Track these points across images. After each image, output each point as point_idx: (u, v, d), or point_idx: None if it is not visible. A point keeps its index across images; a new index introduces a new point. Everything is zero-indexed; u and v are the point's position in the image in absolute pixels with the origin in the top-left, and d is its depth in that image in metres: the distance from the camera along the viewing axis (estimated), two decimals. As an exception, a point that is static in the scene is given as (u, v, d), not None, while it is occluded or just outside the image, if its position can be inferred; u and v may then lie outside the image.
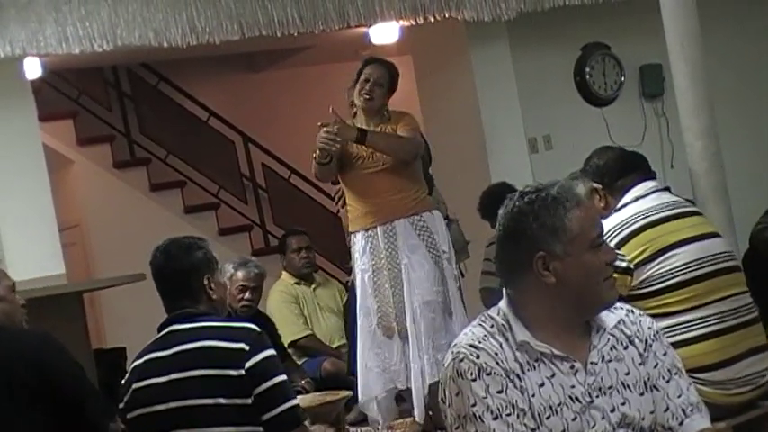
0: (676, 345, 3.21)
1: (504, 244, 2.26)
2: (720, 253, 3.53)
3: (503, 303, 2.27)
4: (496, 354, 2.17)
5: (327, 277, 7.01)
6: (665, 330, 3.27)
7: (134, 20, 5.58)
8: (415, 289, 4.79)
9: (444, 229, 4.93)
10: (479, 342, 2.19)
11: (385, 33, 7.33)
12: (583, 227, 2.21)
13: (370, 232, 4.86)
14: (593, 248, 2.22)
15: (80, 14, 5.48)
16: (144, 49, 5.91)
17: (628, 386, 2.24)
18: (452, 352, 2.21)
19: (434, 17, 6.28)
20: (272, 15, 5.87)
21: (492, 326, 2.23)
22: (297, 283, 6.44)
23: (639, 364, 2.27)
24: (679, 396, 2.29)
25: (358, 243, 4.90)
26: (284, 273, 6.59)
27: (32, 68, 6.37)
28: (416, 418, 4.81)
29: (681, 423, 2.27)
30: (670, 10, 4.28)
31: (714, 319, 3.42)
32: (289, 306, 6.38)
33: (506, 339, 2.21)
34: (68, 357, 3.07)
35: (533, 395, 2.16)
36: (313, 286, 6.48)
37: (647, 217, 3.49)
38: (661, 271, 3.41)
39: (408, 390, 4.89)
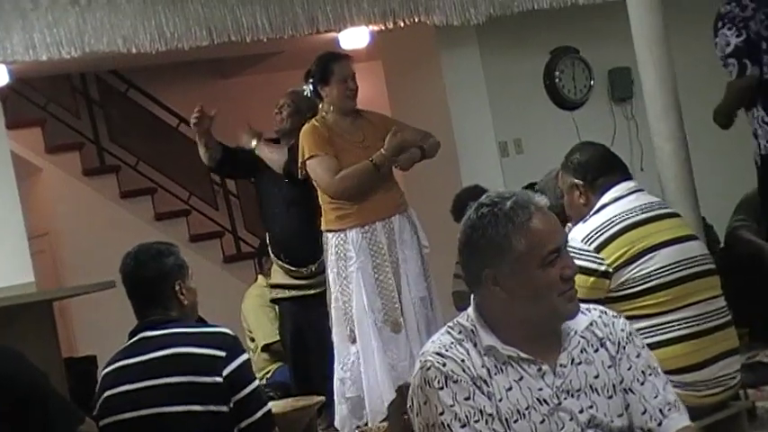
0: (651, 346, 3.22)
1: (462, 254, 2.27)
2: (697, 256, 3.54)
3: (470, 308, 2.28)
4: (463, 361, 2.18)
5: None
6: (640, 332, 3.28)
7: (102, 26, 5.54)
8: (412, 284, 4.81)
9: (421, 226, 4.95)
10: (446, 350, 2.19)
11: (355, 38, 7.32)
12: (532, 245, 2.18)
13: (367, 228, 4.81)
14: (544, 266, 2.18)
15: (47, 21, 5.44)
16: (112, 55, 5.88)
17: (596, 389, 2.24)
18: (420, 361, 2.21)
19: (404, 22, 6.29)
20: (241, 21, 5.85)
21: (460, 332, 2.24)
22: None
23: (609, 367, 2.27)
24: (655, 397, 2.29)
25: (351, 240, 4.79)
26: (260, 276, 6.59)
27: None
28: None
29: (659, 424, 2.27)
30: (637, 14, 4.30)
31: (689, 323, 3.44)
32: (264, 310, 6.38)
33: (474, 345, 2.21)
34: (28, 367, 3.02)
35: (501, 400, 2.17)
36: None
37: (626, 219, 3.49)
38: (639, 274, 3.42)
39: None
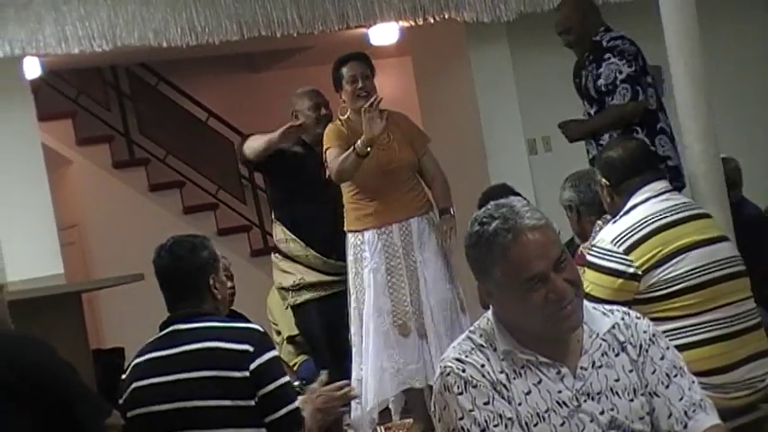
0: (680, 348, 3.21)
1: None
2: (727, 258, 3.52)
3: (490, 311, 2.27)
4: (483, 366, 2.17)
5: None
6: (669, 334, 3.27)
7: (133, 20, 5.57)
8: (430, 287, 4.80)
9: None
10: (466, 356, 2.19)
11: (384, 34, 7.33)
12: (509, 274, 2.14)
13: (384, 229, 4.83)
14: (525, 291, 2.14)
15: (79, 14, 5.48)
16: (143, 49, 5.91)
17: (617, 392, 2.22)
18: (440, 367, 2.21)
19: (434, 18, 6.28)
20: (271, 16, 5.87)
21: (481, 336, 2.23)
22: None
23: (630, 371, 2.25)
24: (680, 399, 2.26)
25: (368, 242, 4.84)
26: None
27: (32, 68, 6.37)
28: None
29: (685, 426, 2.25)
30: (669, 12, 4.27)
31: (718, 325, 3.42)
32: (289, 303, 6.40)
33: (495, 350, 2.20)
34: (55, 358, 3.04)
35: (520, 404, 2.16)
36: None
37: (656, 221, 3.47)
38: (669, 276, 3.40)
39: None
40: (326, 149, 4.89)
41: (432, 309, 4.79)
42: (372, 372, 4.82)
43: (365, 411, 4.86)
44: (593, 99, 4.98)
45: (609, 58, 4.81)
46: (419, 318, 4.81)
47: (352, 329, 4.93)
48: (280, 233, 5.45)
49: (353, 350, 4.93)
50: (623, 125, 4.83)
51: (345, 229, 4.94)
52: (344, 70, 4.91)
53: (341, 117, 4.97)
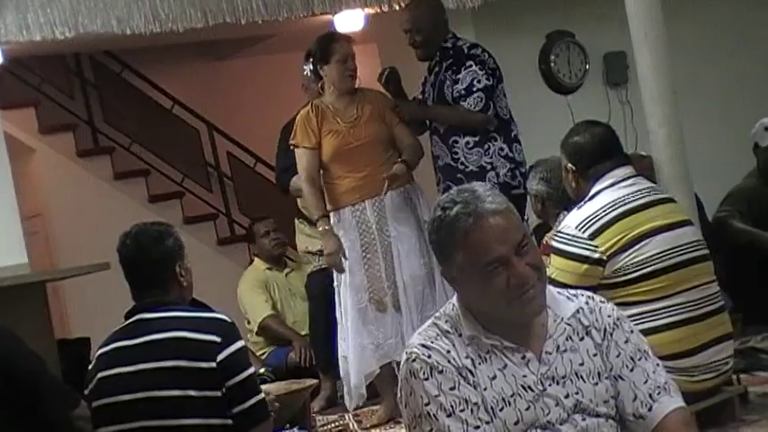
0: (645, 332, 3.24)
1: None
2: (691, 242, 3.55)
3: (455, 297, 2.28)
4: (448, 352, 2.18)
5: (300, 263, 6.97)
6: (635, 318, 3.30)
7: (96, 7, 5.51)
8: (404, 262, 4.82)
9: (424, 200, 4.96)
10: (432, 342, 2.19)
11: (350, 21, 7.30)
12: (470, 258, 2.15)
13: (357, 207, 4.87)
14: (486, 276, 2.14)
15: (41, 1, 5.41)
16: (107, 36, 5.85)
17: (581, 376, 2.23)
18: (406, 353, 2.22)
19: (399, 5, 6.27)
20: (236, 3, 5.83)
21: (446, 322, 2.24)
22: (269, 269, 6.48)
23: (594, 355, 2.26)
24: (645, 382, 2.27)
25: (344, 220, 4.88)
26: (256, 259, 6.66)
27: (-7, 56, 6.30)
28: None
29: (650, 409, 2.26)
30: (634, -2, 4.30)
31: (683, 308, 3.45)
32: (256, 290, 6.42)
33: (460, 335, 2.21)
34: (24, 350, 3.02)
35: (485, 389, 2.17)
36: (285, 271, 6.53)
37: (621, 206, 3.49)
38: (635, 261, 3.42)
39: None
40: (294, 147, 4.98)
41: (405, 283, 4.82)
42: (353, 349, 4.85)
43: (351, 389, 4.86)
44: (449, 105, 5.04)
45: (470, 66, 4.95)
46: (394, 293, 4.84)
47: (336, 307, 4.97)
48: None
49: (338, 328, 4.96)
50: (463, 128, 4.96)
51: (327, 208, 4.98)
52: (336, 46, 4.95)
53: (320, 92, 5.01)
